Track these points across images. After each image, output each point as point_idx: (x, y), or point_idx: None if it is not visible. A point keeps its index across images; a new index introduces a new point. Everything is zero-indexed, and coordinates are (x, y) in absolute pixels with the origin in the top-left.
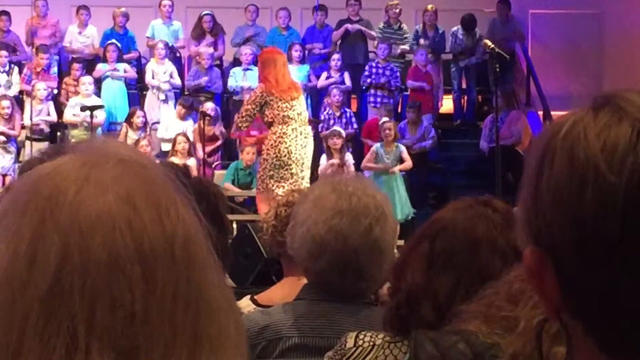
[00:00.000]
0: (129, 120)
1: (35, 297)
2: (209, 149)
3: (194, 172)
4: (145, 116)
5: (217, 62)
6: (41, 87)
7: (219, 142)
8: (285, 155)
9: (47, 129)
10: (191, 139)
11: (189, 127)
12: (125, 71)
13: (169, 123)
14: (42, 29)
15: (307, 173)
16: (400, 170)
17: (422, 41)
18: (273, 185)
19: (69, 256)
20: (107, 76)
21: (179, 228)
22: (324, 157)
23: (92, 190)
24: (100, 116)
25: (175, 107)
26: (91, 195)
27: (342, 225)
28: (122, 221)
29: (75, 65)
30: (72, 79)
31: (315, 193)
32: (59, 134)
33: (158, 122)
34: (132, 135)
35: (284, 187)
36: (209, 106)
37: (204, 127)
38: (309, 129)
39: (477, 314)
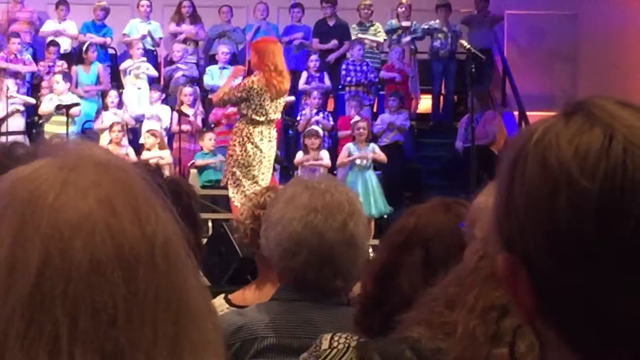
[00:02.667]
0: (103, 102)
1: (17, 302)
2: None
3: (169, 165)
4: (119, 96)
5: (197, 50)
6: (10, 84)
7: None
8: (250, 156)
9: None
10: (166, 124)
11: (166, 112)
12: (99, 79)
13: (145, 110)
14: (19, 13)
15: (267, 175)
16: (375, 161)
17: (403, 39)
18: (234, 182)
19: (49, 261)
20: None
21: (158, 231)
22: (300, 154)
23: (71, 194)
24: (76, 114)
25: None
26: (71, 199)
27: (317, 222)
28: (102, 225)
29: (52, 49)
30: (48, 63)
31: (287, 193)
32: (34, 130)
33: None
34: (107, 118)
35: (244, 186)
36: (187, 91)
37: (180, 122)
38: (273, 132)
39: (419, 320)
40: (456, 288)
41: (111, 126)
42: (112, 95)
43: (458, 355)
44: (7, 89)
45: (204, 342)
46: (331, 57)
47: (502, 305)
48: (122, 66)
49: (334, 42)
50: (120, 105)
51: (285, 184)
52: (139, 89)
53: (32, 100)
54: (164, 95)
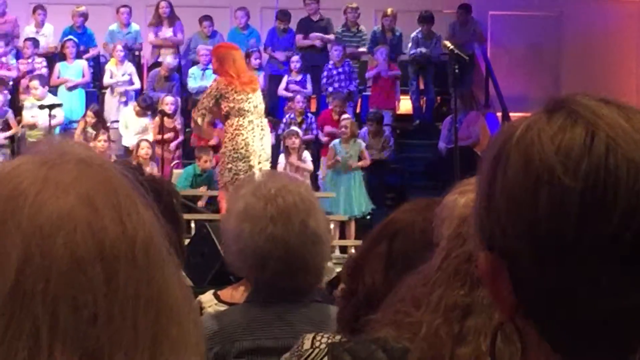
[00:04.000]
0: (85, 117)
1: None
2: (169, 144)
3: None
4: (99, 114)
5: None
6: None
7: (180, 139)
8: (242, 148)
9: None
10: (151, 136)
11: (149, 124)
12: (83, 75)
13: (127, 120)
14: (1, 25)
15: (265, 165)
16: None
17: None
18: (232, 178)
19: (30, 258)
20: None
21: (139, 229)
22: (282, 157)
23: (52, 191)
24: (59, 115)
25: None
26: (52, 196)
27: (277, 231)
28: (83, 222)
29: (27, 43)
30: (26, 59)
31: (239, 205)
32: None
33: (117, 121)
34: (91, 129)
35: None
36: (168, 100)
37: (163, 126)
38: (265, 122)
39: (387, 321)
40: (422, 287)
41: (96, 136)
42: (92, 115)
43: (422, 355)
44: None
45: (185, 341)
46: (300, 41)
47: (465, 305)
48: (105, 81)
49: (314, 34)
50: (99, 124)
51: (233, 195)
52: (121, 102)
53: (19, 131)
54: (149, 112)
